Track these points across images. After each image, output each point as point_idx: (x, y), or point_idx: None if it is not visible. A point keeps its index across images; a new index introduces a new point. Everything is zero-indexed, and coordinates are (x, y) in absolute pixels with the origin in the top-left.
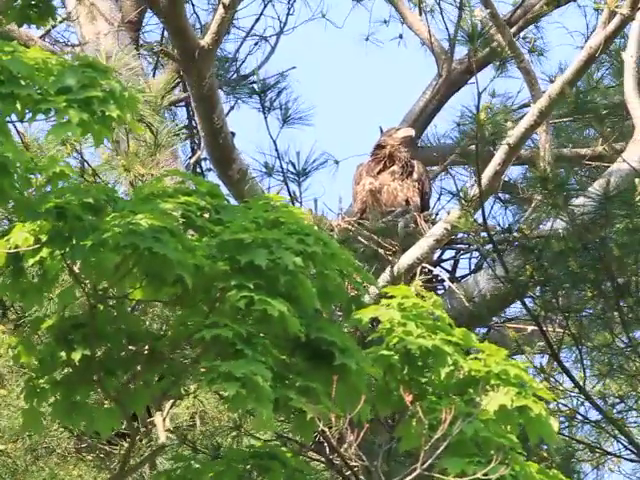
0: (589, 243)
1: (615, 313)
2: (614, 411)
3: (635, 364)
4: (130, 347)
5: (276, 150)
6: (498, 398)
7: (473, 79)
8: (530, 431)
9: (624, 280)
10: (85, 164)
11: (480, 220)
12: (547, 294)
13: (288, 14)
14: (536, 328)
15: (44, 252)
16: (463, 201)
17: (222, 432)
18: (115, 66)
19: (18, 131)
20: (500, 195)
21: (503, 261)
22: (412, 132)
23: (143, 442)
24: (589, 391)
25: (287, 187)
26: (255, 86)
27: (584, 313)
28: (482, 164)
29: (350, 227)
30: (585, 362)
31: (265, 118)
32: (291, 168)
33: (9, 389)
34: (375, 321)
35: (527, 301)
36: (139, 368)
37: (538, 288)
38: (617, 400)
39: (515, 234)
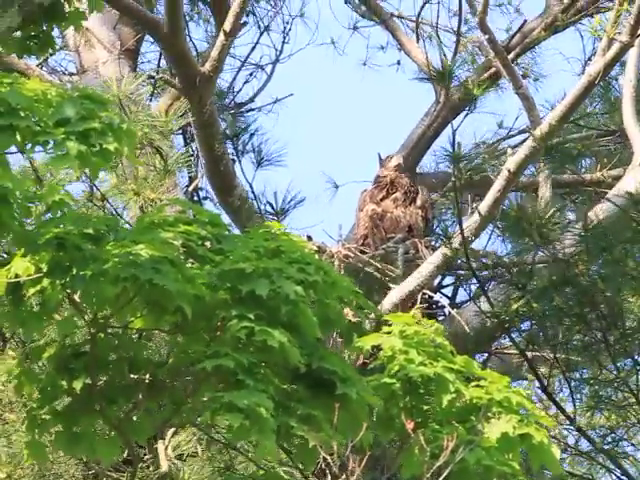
0: (572, 277)
1: (602, 345)
2: (604, 442)
3: (623, 395)
4: (131, 375)
5: (252, 192)
6: (500, 425)
7: (470, 107)
8: (532, 459)
9: (609, 312)
10: (94, 188)
11: (480, 248)
12: (533, 328)
13: (284, 42)
14: (536, 354)
15: (45, 282)
16: (445, 239)
17: (213, 473)
18: (125, 90)
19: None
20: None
21: (488, 296)
22: (400, 160)
23: (150, 469)
24: (579, 422)
25: None
26: (227, 130)
27: (571, 346)
28: (484, 190)
29: (350, 254)
30: (574, 394)
31: (239, 162)
32: (269, 208)
33: (18, 415)
34: (376, 348)
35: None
36: (141, 397)
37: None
38: (608, 431)
39: (500, 268)
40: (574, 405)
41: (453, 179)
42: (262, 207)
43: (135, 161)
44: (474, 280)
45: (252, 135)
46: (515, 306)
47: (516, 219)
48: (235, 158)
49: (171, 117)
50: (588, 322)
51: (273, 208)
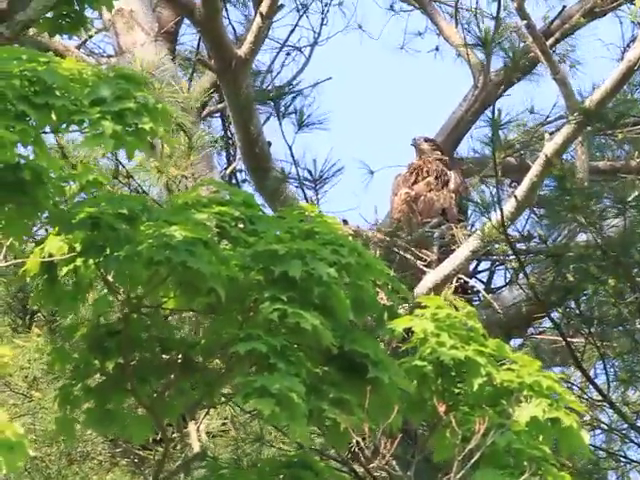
0: (610, 249)
1: (638, 320)
2: (634, 418)
3: None
4: (164, 355)
5: (292, 156)
6: (530, 409)
7: (509, 91)
8: (562, 443)
9: None
10: (119, 166)
11: (516, 233)
12: (569, 301)
13: (322, 24)
14: (572, 340)
15: (78, 261)
16: (482, 207)
17: (247, 442)
18: (157, 73)
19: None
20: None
21: (525, 270)
22: (426, 145)
23: (178, 447)
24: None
25: (304, 194)
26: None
27: (605, 320)
28: (520, 175)
29: (386, 238)
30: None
31: (280, 124)
32: (307, 174)
33: (44, 393)
34: (409, 331)
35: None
36: (172, 377)
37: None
38: None
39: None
40: (607, 380)
41: (491, 145)
42: (301, 173)
43: (170, 141)
44: (510, 263)
45: (294, 97)
46: (551, 278)
47: (561, 177)
48: (277, 120)
49: (194, 94)
50: (624, 296)
51: (311, 174)
